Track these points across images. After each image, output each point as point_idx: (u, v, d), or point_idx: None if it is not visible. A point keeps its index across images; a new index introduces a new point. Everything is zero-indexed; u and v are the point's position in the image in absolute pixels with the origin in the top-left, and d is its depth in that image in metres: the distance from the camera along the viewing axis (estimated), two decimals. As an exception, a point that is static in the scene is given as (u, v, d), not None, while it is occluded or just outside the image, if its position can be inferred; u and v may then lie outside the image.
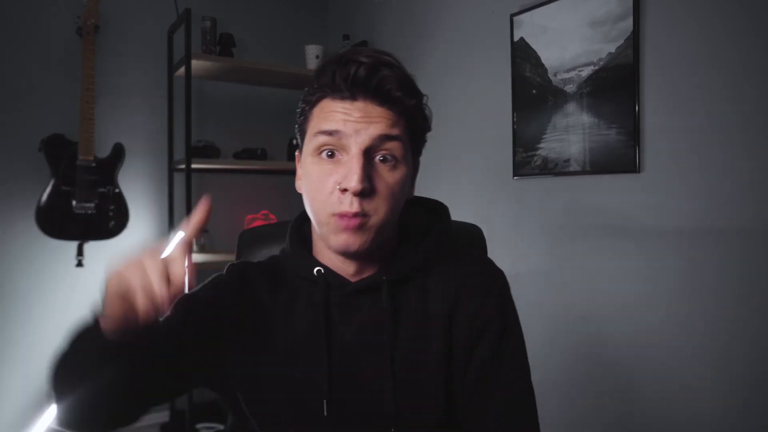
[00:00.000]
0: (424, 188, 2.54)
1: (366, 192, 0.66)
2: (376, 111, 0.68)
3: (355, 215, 0.66)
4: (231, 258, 2.30)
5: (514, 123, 1.86)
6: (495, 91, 1.95)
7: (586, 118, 1.62)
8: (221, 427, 2.32)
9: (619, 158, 1.53)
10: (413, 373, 0.71)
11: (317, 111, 0.71)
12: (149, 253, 0.61)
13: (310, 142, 0.71)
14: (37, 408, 2.31)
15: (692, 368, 1.39)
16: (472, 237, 1.02)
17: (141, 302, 0.58)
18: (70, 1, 2.32)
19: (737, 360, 1.31)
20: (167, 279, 0.59)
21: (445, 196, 2.41)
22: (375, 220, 0.67)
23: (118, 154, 2.33)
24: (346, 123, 0.67)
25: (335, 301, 0.73)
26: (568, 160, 1.68)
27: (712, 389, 1.35)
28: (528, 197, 1.83)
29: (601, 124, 1.58)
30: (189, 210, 2.19)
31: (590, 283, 1.63)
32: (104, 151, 2.33)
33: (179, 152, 2.51)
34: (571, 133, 1.67)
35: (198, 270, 2.75)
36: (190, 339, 0.73)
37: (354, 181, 0.65)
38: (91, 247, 2.38)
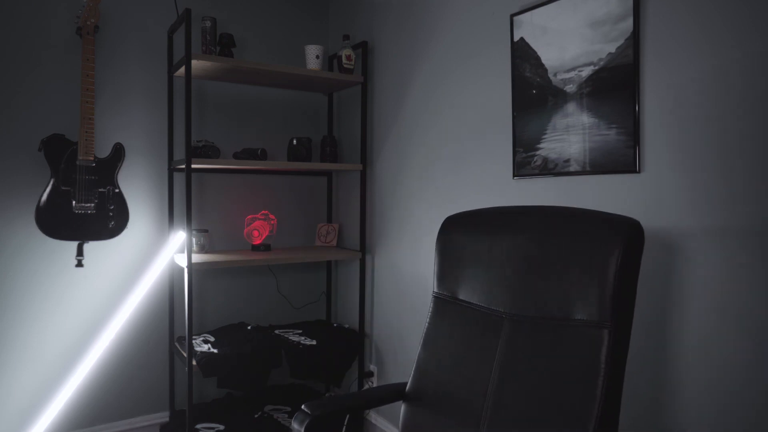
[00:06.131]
0: (424, 189, 2.54)
1: None
2: None
3: None
4: (230, 258, 2.34)
5: (514, 123, 1.86)
6: (495, 91, 1.95)
7: (586, 119, 1.62)
8: (221, 427, 2.32)
9: (619, 158, 1.53)
10: None
11: None
12: None
13: None
14: (35, 408, 2.31)
15: (684, 365, 1.39)
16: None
17: None
18: (70, 1, 2.32)
19: (738, 363, 1.31)
20: None
21: (445, 197, 2.41)
22: None
23: (118, 154, 2.33)
24: None
25: None
26: (568, 161, 1.68)
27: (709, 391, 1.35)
28: (528, 197, 1.83)
29: (601, 124, 1.58)
30: (189, 210, 2.19)
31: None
32: (104, 151, 2.33)
33: (179, 152, 2.51)
34: (571, 133, 1.67)
35: (198, 270, 2.76)
36: None
37: None
38: (91, 247, 2.38)
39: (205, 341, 2.42)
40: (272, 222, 2.69)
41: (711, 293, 1.35)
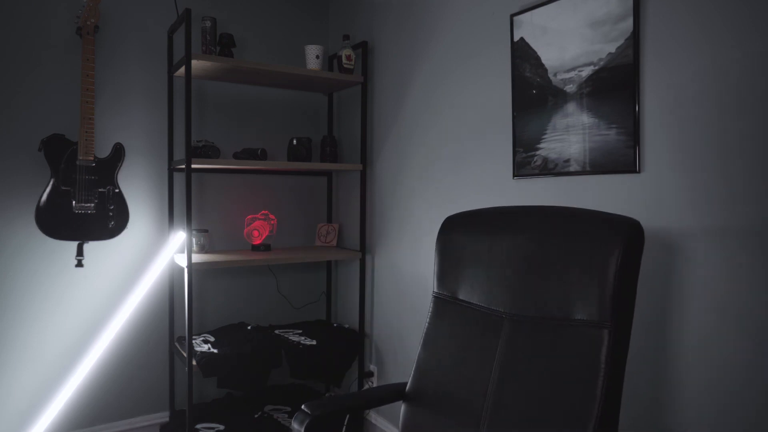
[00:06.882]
0: (424, 189, 2.54)
1: None
2: None
3: None
4: (230, 258, 2.34)
5: (514, 123, 1.86)
6: (495, 91, 1.95)
7: (586, 119, 1.62)
8: (221, 427, 2.32)
9: (619, 158, 1.53)
10: None
11: None
12: None
13: None
14: (35, 408, 2.31)
15: (685, 365, 1.39)
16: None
17: None
18: (70, 1, 2.32)
19: (738, 363, 1.31)
20: None
21: (445, 197, 2.41)
22: None
23: (118, 154, 2.33)
24: None
25: None
26: (568, 161, 1.68)
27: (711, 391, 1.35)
28: (528, 197, 1.83)
29: (601, 124, 1.58)
30: (189, 210, 2.19)
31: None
32: (104, 151, 2.33)
33: (179, 152, 2.51)
34: (571, 133, 1.67)
35: (198, 270, 2.76)
36: None
37: None
38: (91, 248, 2.38)
39: (205, 341, 2.42)
40: (272, 222, 2.69)
41: (711, 293, 1.35)
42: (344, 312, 2.91)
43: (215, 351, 2.27)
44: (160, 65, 2.54)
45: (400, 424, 1.44)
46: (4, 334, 2.25)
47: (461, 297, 1.41)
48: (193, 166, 2.21)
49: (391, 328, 2.54)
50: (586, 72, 1.62)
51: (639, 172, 1.50)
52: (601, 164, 1.58)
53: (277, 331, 2.62)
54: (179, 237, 2.52)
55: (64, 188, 2.20)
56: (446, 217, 1.54)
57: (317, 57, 2.55)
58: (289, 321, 2.91)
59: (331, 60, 2.86)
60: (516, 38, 1.84)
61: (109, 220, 2.29)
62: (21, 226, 2.26)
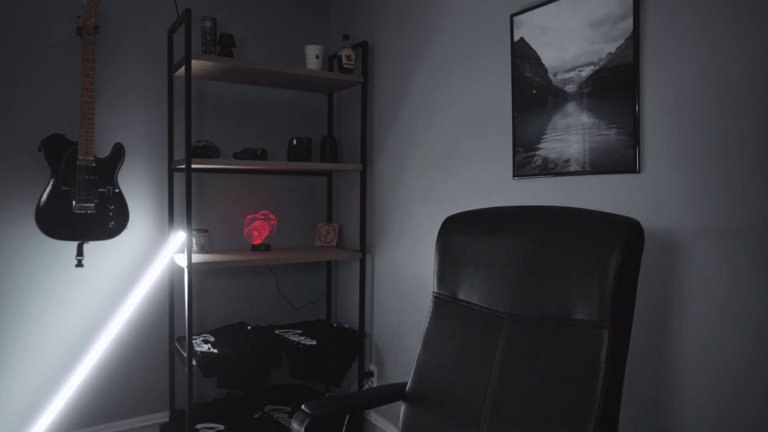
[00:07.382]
0: (424, 189, 2.53)
1: None
2: None
3: None
4: (230, 258, 2.35)
5: (514, 123, 1.86)
6: (495, 91, 1.95)
7: (586, 119, 1.62)
8: (221, 427, 2.32)
9: (619, 158, 1.53)
10: None
11: None
12: None
13: None
14: (35, 408, 2.31)
15: (685, 365, 1.39)
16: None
17: None
18: (70, 1, 2.32)
19: (738, 363, 1.31)
20: None
21: (445, 197, 2.41)
22: None
23: (118, 154, 2.33)
24: None
25: None
26: (568, 161, 1.68)
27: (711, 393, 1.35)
28: (528, 197, 1.83)
29: (601, 124, 1.58)
30: (189, 210, 2.19)
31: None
32: (104, 151, 2.33)
33: (179, 152, 2.51)
34: (571, 133, 1.67)
35: (198, 270, 2.76)
36: None
37: None
38: (91, 248, 2.38)
39: (205, 341, 2.42)
40: (272, 222, 2.69)
41: (711, 293, 1.35)
42: (344, 312, 2.91)
43: (215, 351, 2.27)
44: (160, 65, 2.54)
45: (400, 424, 1.44)
46: (4, 334, 2.25)
47: (461, 297, 1.41)
48: (193, 166, 2.21)
49: (391, 328, 2.54)
50: (586, 72, 1.62)
51: (639, 172, 1.50)
52: (601, 164, 1.58)
53: (277, 331, 2.62)
54: (179, 237, 2.52)
55: (64, 188, 2.20)
56: (446, 217, 1.54)
57: (317, 57, 2.55)
58: (289, 321, 2.91)
59: (331, 60, 2.86)
60: (516, 38, 1.84)
61: (109, 220, 2.29)
62: (21, 226, 2.26)
